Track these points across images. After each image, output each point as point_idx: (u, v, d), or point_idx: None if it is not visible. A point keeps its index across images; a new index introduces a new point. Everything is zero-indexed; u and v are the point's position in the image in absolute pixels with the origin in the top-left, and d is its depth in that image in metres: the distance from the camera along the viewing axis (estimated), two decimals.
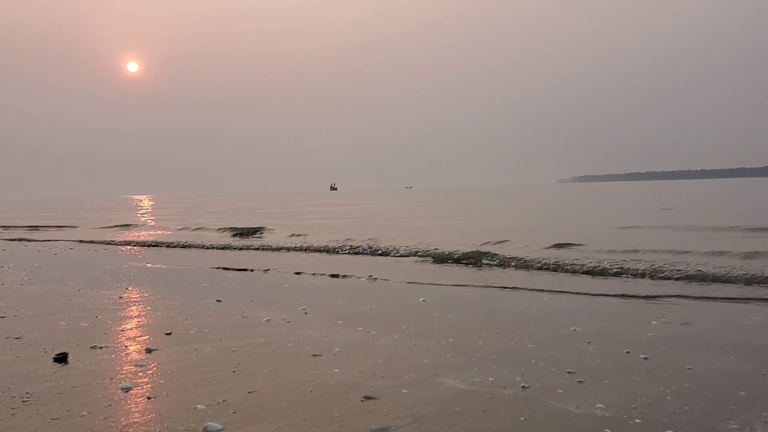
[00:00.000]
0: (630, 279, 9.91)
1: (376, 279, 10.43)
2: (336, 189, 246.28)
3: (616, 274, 10.28)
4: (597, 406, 4.05)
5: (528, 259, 12.10)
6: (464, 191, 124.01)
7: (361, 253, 15.13)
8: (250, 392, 4.41)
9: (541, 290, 8.87)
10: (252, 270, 11.94)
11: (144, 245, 19.33)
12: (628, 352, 5.33)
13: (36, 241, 22.03)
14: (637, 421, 3.79)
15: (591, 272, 10.57)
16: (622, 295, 8.28)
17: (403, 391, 4.41)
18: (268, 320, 6.91)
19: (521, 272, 11.14)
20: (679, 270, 10.00)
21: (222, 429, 3.73)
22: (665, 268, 10.20)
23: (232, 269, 12.12)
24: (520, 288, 9.17)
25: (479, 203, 51.21)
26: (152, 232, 25.25)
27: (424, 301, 8.10)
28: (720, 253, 12.09)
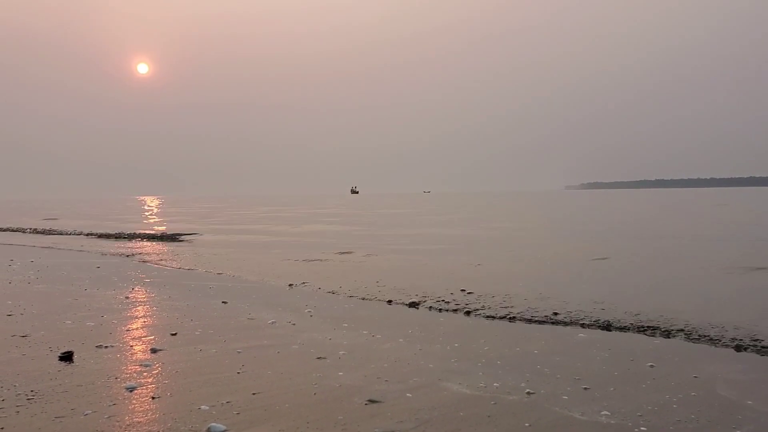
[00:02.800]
0: None
1: None
2: (357, 192, 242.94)
3: None
4: (602, 413, 4.03)
5: None
6: (494, 197, 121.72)
7: None
8: (254, 394, 4.41)
9: None
10: None
11: None
12: (633, 360, 5.30)
13: None
14: (642, 428, 3.76)
15: None
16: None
17: (408, 395, 4.40)
18: (273, 322, 6.92)
19: None
20: None
21: (225, 430, 3.73)
22: None
23: None
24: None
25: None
26: None
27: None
28: None
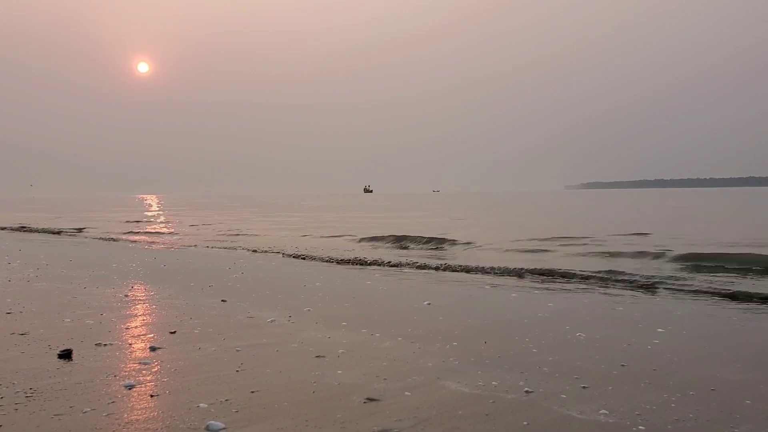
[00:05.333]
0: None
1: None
2: (371, 191, 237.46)
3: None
4: (600, 411, 4.03)
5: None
6: (504, 195, 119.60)
7: None
8: (252, 392, 4.41)
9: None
10: None
11: None
12: (633, 359, 5.30)
13: None
14: (640, 427, 3.76)
15: None
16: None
17: (406, 393, 4.40)
18: (272, 321, 6.92)
19: None
20: None
21: (224, 428, 3.73)
22: None
23: None
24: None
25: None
26: None
27: (428, 304, 8.09)
28: None
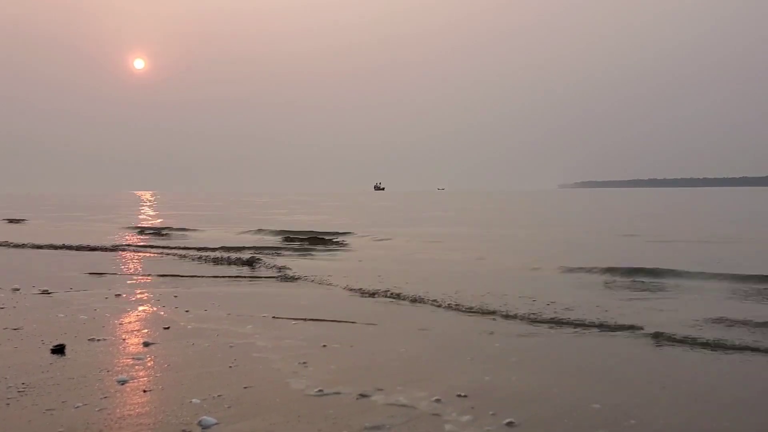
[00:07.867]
0: None
1: None
2: (383, 189, 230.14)
3: None
4: (593, 405, 4.05)
5: None
6: (510, 195, 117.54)
7: None
8: (245, 388, 4.42)
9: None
10: None
11: None
12: (626, 356, 5.33)
13: None
14: (632, 421, 3.79)
15: None
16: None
17: (399, 389, 4.41)
18: (265, 317, 6.91)
19: None
20: None
21: (216, 423, 3.74)
22: None
23: None
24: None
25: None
26: None
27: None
28: None
